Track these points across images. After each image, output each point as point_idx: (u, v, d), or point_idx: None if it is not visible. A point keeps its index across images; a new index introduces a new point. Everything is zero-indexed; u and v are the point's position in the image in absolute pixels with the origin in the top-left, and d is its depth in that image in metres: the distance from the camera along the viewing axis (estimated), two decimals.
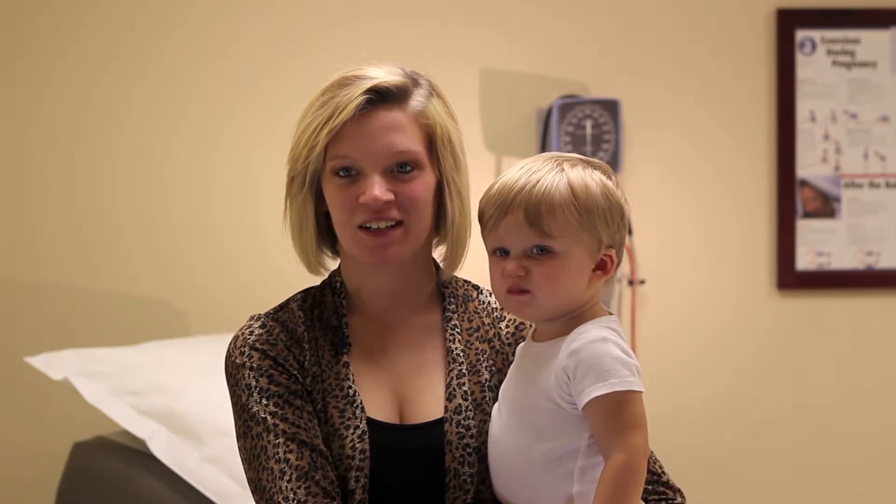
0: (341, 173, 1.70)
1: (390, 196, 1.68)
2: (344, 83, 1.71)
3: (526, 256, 1.63)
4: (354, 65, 1.74)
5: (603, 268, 1.66)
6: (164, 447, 2.65)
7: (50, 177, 3.31)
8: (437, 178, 1.74)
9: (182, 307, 3.33)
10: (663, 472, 1.79)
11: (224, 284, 3.32)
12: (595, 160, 1.69)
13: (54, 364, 2.87)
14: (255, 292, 3.25)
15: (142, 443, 2.69)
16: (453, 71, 3.38)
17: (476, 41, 3.41)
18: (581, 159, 1.68)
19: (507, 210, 1.63)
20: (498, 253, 1.66)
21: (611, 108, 3.34)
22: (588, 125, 3.33)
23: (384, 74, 1.72)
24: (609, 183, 1.66)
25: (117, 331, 3.25)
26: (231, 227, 3.34)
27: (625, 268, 3.44)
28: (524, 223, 1.62)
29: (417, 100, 1.73)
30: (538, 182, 1.63)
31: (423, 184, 1.71)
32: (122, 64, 3.32)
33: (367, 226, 1.69)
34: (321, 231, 1.77)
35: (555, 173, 1.64)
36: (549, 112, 3.33)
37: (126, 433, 2.78)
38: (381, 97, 1.70)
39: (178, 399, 2.71)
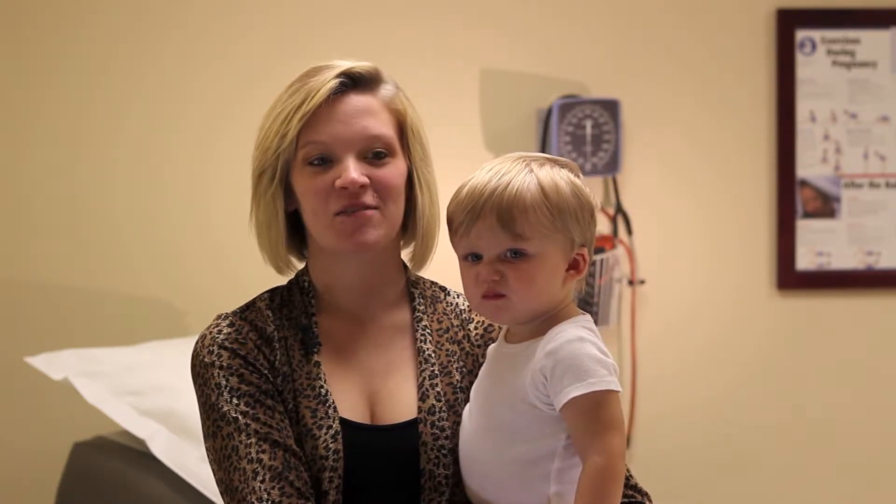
0: (315, 162, 1.68)
1: (366, 179, 1.66)
2: (313, 73, 1.71)
3: (500, 260, 1.62)
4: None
5: (576, 267, 1.65)
6: (164, 447, 2.65)
7: (50, 177, 3.31)
8: (408, 167, 1.72)
9: (182, 307, 3.33)
10: (630, 476, 1.77)
11: (224, 284, 3.31)
12: (561, 158, 1.68)
13: (54, 364, 2.87)
14: (255, 292, 3.23)
15: (142, 443, 2.69)
16: (453, 71, 3.38)
17: (476, 41, 3.41)
18: (548, 158, 1.67)
19: (479, 214, 1.61)
20: (470, 258, 1.64)
21: (611, 108, 3.34)
22: (588, 125, 3.33)
23: (354, 62, 1.72)
24: (577, 181, 1.66)
25: (117, 331, 3.25)
26: (231, 227, 3.33)
27: (625, 268, 3.44)
28: (497, 227, 1.60)
29: (387, 88, 1.73)
30: (509, 184, 1.61)
31: (396, 170, 1.70)
32: (122, 64, 3.32)
33: (345, 210, 1.67)
34: (289, 231, 1.76)
35: (524, 174, 1.62)
36: (549, 112, 3.33)
37: (126, 433, 2.78)
38: (354, 82, 1.70)
39: (178, 399, 2.71)
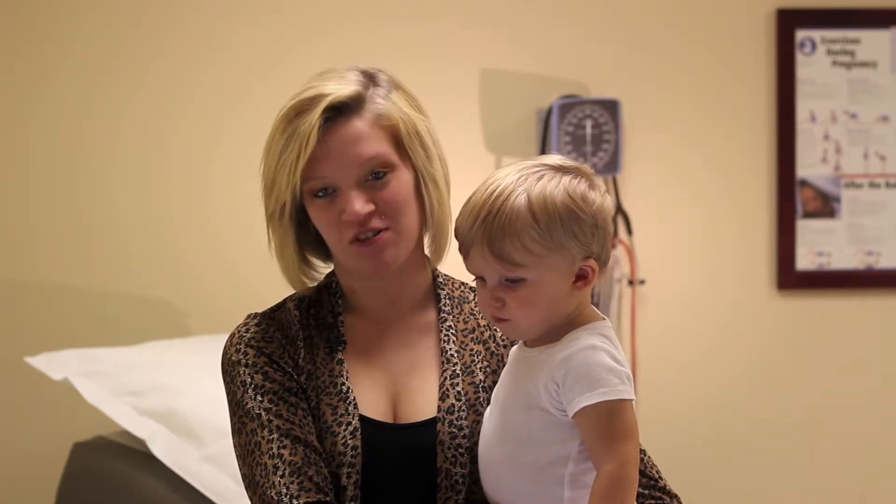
0: (319, 193, 1.69)
1: (370, 207, 1.67)
2: (300, 109, 1.67)
3: (500, 286, 1.61)
4: (310, 81, 1.72)
5: (584, 278, 1.63)
6: (164, 447, 2.65)
7: (50, 177, 3.31)
8: (413, 172, 1.72)
9: (182, 307, 3.33)
10: (660, 478, 1.79)
11: (224, 284, 3.32)
12: (571, 164, 1.64)
13: (54, 364, 2.87)
14: (255, 292, 3.23)
15: (142, 443, 2.69)
16: (453, 71, 3.38)
17: (476, 41, 3.41)
18: (554, 167, 1.62)
19: (473, 241, 1.61)
20: (479, 279, 1.65)
21: (611, 108, 3.34)
22: (588, 125, 3.33)
23: (337, 87, 1.69)
24: (580, 189, 1.60)
25: (117, 331, 3.25)
26: (231, 227, 3.34)
27: (625, 268, 3.44)
28: (490, 256, 1.60)
29: (376, 102, 1.70)
30: (499, 211, 1.59)
31: (399, 184, 1.70)
32: (122, 64, 3.32)
33: (358, 237, 1.69)
34: (312, 242, 1.77)
35: (517, 195, 1.59)
36: (549, 112, 3.33)
37: (126, 433, 2.78)
38: (338, 111, 1.68)
39: (178, 399, 2.71)
